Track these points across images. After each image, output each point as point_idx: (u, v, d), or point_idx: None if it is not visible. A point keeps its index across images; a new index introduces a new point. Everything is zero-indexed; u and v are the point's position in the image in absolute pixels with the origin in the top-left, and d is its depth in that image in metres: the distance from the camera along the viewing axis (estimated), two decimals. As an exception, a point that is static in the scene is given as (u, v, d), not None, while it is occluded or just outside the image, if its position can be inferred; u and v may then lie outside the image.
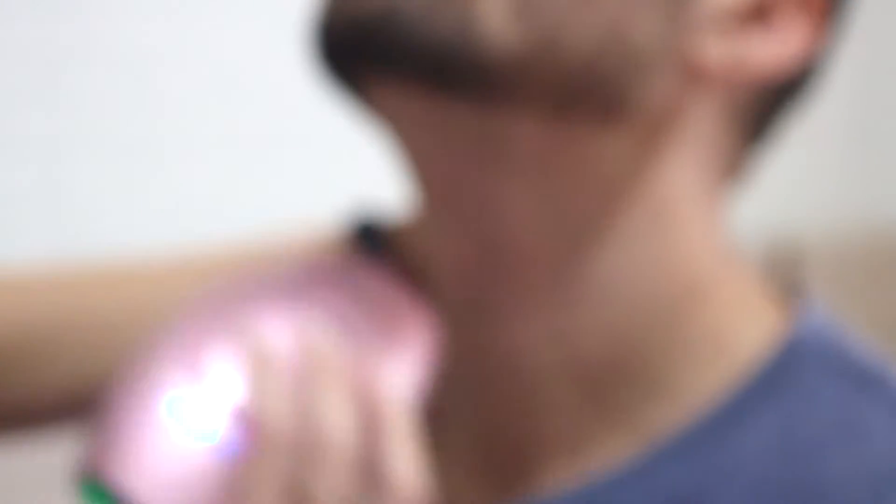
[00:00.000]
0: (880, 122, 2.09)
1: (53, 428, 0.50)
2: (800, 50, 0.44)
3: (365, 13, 0.42)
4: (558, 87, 0.42)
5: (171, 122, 1.56)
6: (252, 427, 0.38)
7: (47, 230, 1.42)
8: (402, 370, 0.42)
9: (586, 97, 0.42)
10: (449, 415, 0.46)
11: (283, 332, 0.41)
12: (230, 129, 1.61)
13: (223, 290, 0.43)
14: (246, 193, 1.62)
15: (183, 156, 1.56)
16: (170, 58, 1.55)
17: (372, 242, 0.49)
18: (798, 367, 0.45)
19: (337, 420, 0.40)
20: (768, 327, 0.46)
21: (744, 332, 0.46)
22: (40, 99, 1.46)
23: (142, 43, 1.53)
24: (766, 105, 0.46)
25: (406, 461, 0.40)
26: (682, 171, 0.44)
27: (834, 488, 0.43)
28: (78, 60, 1.48)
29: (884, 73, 2.01)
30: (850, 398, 0.45)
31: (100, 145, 1.50)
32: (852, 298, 1.82)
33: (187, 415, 0.38)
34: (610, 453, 0.44)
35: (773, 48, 0.44)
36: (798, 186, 1.94)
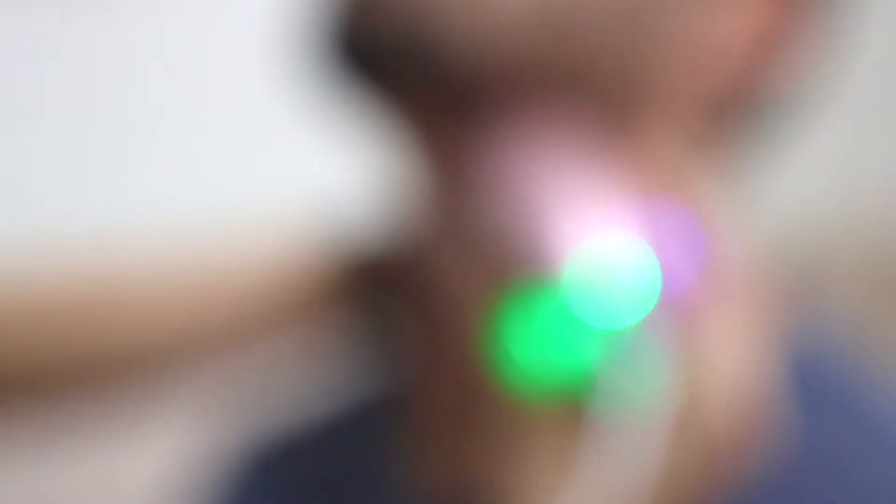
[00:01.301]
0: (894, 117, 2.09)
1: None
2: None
3: (384, 22, 0.43)
4: (565, 96, 0.42)
5: (149, 113, 1.56)
6: None
7: (27, 216, 1.42)
8: None
9: (589, 106, 0.43)
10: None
11: None
12: (206, 122, 1.61)
13: None
14: (224, 186, 1.62)
15: (159, 144, 1.57)
16: (146, 50, 1.55)
17: (360, 269, 0.48)
18: (789, 398, 0.44)
19: None
20: (765, 349, 0.45)
21: (737, 353, 0.44)
22: (26, 91, 1.47)
23: (121, 34, 1.53)
24: (748, 96, 0.45)
25: None
26: (669, 167, 0.44)
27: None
28: (62, 55, 1.48)
29: None
30: (840, 431, 0.44)
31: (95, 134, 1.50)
32: (864, 298, 1.83)
33: None
34: None
35: (771, 45, 0.44)
36: (810, 184, 1.95)
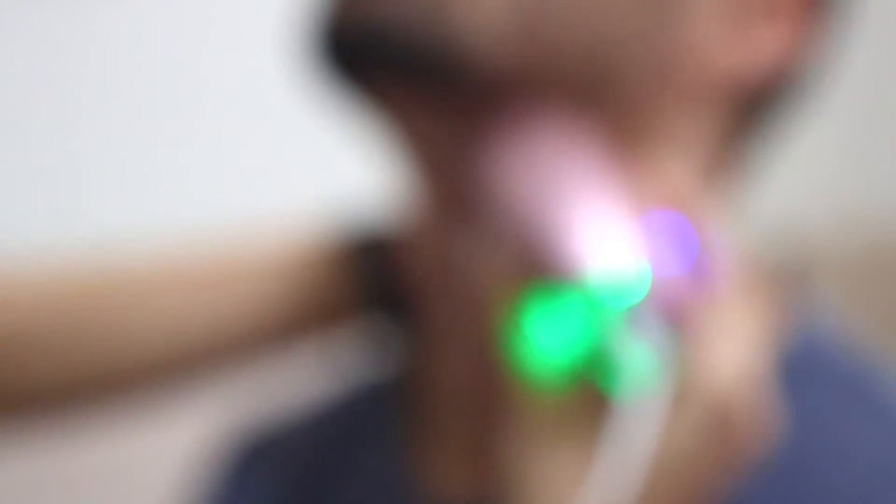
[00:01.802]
0: (887, 118, 2.08)
1: (47, 428, 0.50)
2: (800, 44, 0.44)
3: (364, 17, 0.42)
4: (558, 90, 0.42)
5: (162, 114, 1.55)
6: None
7: (42, 219, 1.42)
8: None
9: (587, 99, 0.42)
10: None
11: None
12: (219, 122, 1.60)
13: None
14: (234, 186, 1.61)
15: (172, 148, 1.56)
16: (159, 50, 1.55)
17: (368, 255, 0.48)
18: (790, 381, 0.45)
19: None
20: (763, 336, 0.45)
21: (737, 340, 0.44)
22: (38, 92, 1.46)
23: (134, 36, 1.52)
24: (760, 104, 0.45)
25: None
26: (682, 168, 0.44)
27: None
28: (73, 54, 1.47)
29: (889, 68, 2.00)
30: (841, 412, 0.45)
31: (97, 136, 1.50)
32: (857, 296, 1.82)
33: None
34: None
35: (774, 43, 0.44)
36: (804, 183, 1.94)
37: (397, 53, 0.42)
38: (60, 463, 1.28)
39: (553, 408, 0.37)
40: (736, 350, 0.42)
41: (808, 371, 0.45)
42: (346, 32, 0.43)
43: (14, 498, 1.33)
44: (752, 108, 0.45)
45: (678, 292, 0.37)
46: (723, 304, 0.43)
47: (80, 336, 0.48)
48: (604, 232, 0.37)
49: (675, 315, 0.37)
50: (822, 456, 0.44)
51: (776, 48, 0.44)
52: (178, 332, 0.49)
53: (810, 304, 0.47)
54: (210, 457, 0.54)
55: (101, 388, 0.49)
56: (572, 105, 0.42)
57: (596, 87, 0.42)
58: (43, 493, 1.34)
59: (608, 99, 0.42)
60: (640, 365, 0.36)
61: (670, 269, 0.37)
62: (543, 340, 0.37)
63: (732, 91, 0.44)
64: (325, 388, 0.52)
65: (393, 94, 0.43)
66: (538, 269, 0.38)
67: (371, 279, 0.48)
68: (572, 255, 0.37)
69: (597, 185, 0.39)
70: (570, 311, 0.37)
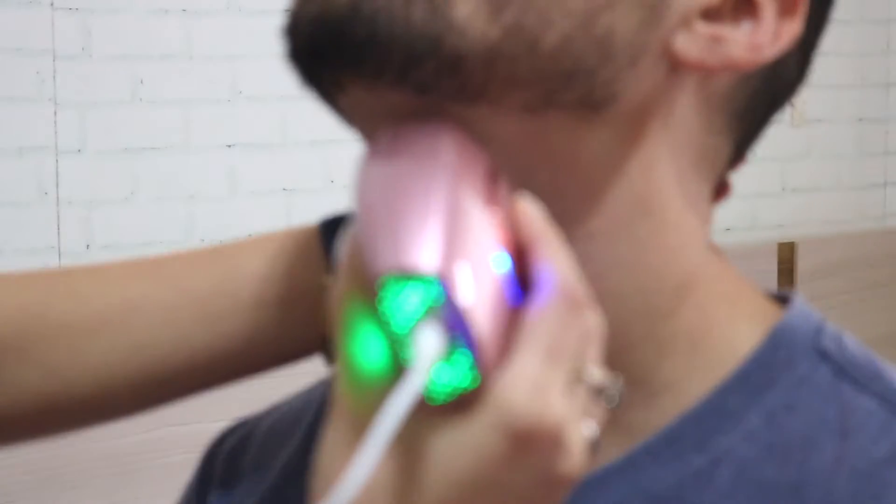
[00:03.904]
0: (883, 125, 2.09)
1: (35, 437, 0.50)
2: (777, 40, 0.43)
3: (329, 9, 0.40)
4: (533, 79, 0.41)
5: (175, 123, 1.57)
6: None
7: (47, 231, 1.43)
8: None
9: (562, 89, 0.41)
10: None
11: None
12: (234, 132, 1.61)
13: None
14: (248, 199, 1.62)
15: (186, 158, 1.57)
16: (173, 57, 1.56)
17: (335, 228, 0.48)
18: (784, 364, 0.45)
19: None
20: (755, 325, 0.46)
21: (731, 328, 0.46)
22: (42, 99, 1.47)
23: (146, 43, 1.54)
24: (747, 100, 0.45)
25: None
26: (664, 165, 0.44)
27: (819, 483, 0.43)
28: (80, 60, 1.48)
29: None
30: (837, 391, 0.45)
31: (100, 147, 1.51)
32: (846, 299, 1.82)
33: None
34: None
35: (751, 38, 0.43)
36: (796, 190, 1.94)
37: (355, 45, 0.40)
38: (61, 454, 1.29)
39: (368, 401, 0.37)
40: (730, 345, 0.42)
41: (801, 357, 0.45)
42: (301, 26, 0.41)
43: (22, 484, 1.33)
44: (740, 106, 0.45)
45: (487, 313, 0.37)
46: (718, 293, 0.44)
47: (71, 331, 0.48)
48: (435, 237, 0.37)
49: (473, 331, 0.36)
50: (817, 437, 0.44)
51: (754, 46, 0.43)
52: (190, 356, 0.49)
53: (796, 302, 0.47)
54: (204, 448, 0.55)
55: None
56: (554, 99, 0.41)
57: (575, 81, 0.41)
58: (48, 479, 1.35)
59: (590, 94, 0.41)
60: (428, 361, 0.36)
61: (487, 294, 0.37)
62: (365, 339, 0.37)
63: (720, 88, 0.44)
64: (314, 391, 0.53)
65: (349, 87, 0.42)
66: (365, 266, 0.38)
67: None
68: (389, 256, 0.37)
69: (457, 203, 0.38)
70: (385, 310, 0.37)
